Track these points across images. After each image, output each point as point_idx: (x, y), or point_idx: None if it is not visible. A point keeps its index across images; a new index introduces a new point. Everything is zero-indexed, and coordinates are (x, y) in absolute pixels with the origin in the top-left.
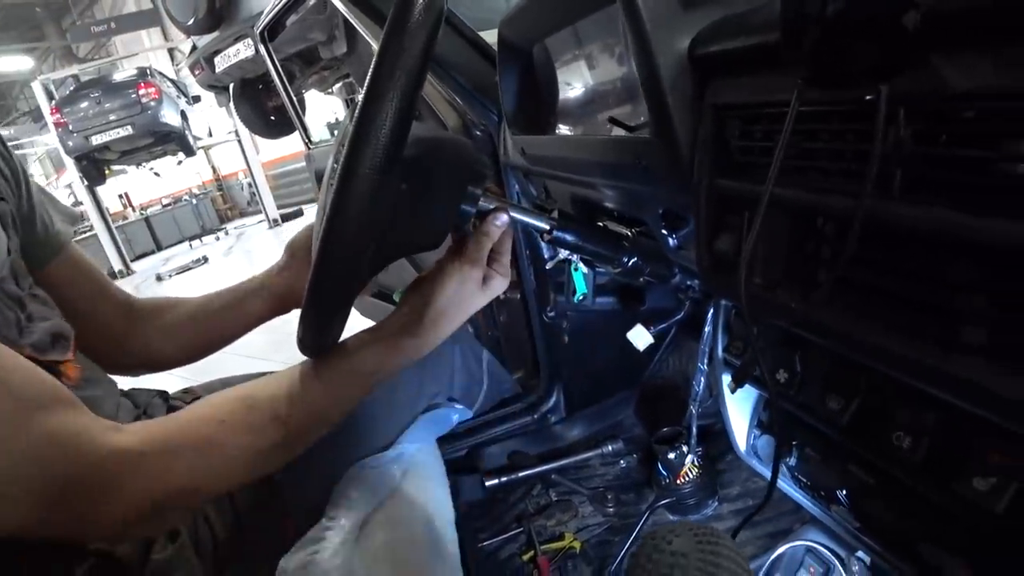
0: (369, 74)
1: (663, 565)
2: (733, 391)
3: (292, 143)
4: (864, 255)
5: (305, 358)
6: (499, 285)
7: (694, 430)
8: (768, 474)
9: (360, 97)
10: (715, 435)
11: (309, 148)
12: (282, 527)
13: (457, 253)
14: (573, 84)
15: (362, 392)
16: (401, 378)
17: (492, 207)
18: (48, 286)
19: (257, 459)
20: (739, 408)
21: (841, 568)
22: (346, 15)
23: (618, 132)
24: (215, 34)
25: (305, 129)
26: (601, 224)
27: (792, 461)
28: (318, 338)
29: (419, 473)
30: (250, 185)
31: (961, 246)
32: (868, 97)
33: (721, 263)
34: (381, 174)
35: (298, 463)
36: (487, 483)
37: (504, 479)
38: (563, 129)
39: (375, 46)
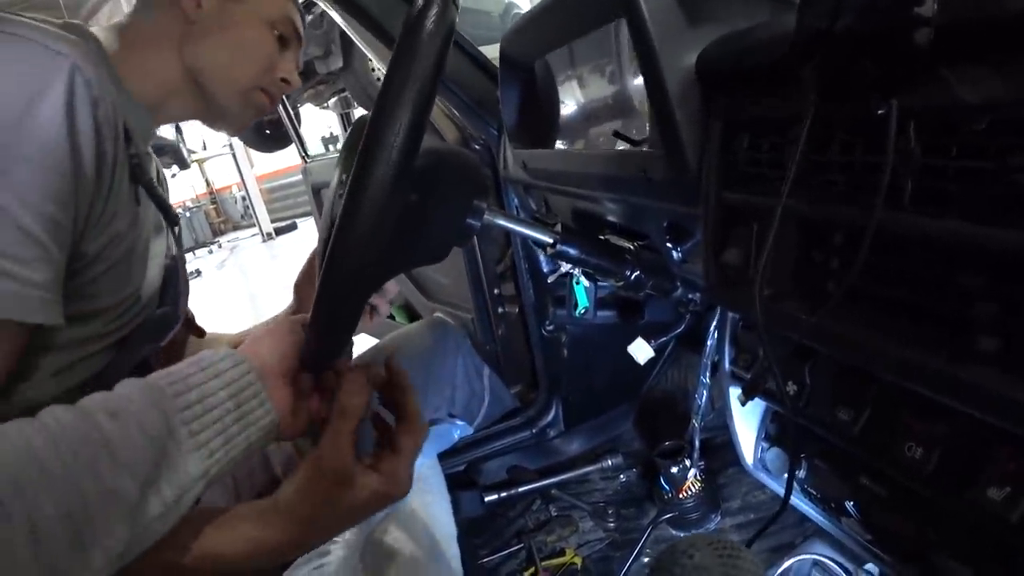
0: (383, 84)
1: None
2: (744, 404)
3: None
4: (875, 265)
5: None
6: (396, 489)
7: (697, 444)
8: (776, 487)
9: (373, 106)
10: (716, 448)
11: (306, 162)
12: None
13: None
14: (573, 99)
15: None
16: None
17: (496, 220)
18: None
19: None
20: (746, 421)
21: None
22: (345, 29)
23: (622, 145)
24: None
25: (302, 143)
26: (603, 238)
27: (802, 473)
28: (325, 351)
29: (421, 488)
30: (244, 198)
31: (972, 256)
32: (880, 112)
33: (729, 276)
34: (393, 185)
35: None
36: (486, 499)
37: (503, 494)
38: (563, 143)
39: (375, 61)
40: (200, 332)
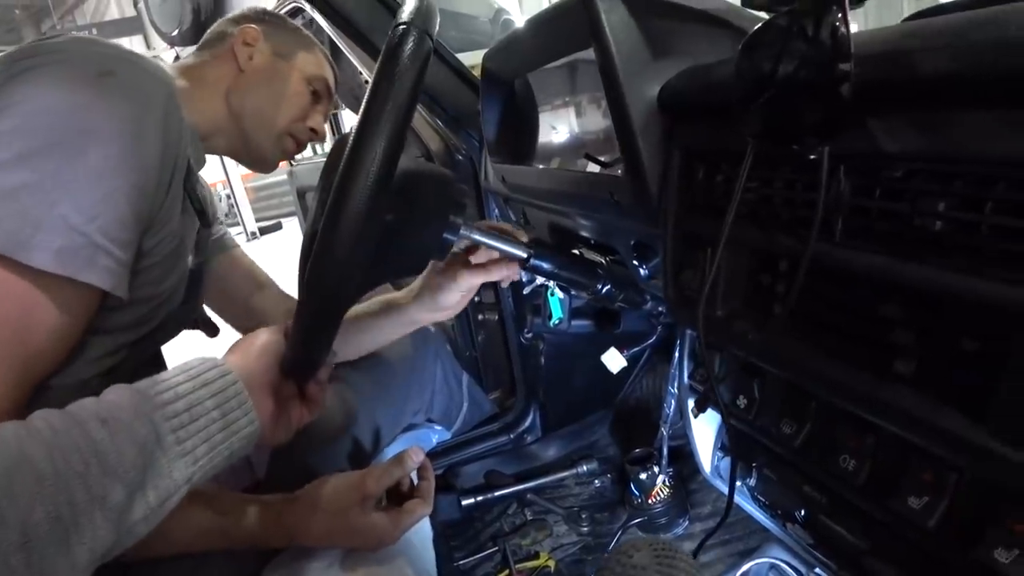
0: (359, 116)
1: None
2: (695, 415)
3: None
4: (812, 292)
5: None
6: (390, 536)
7: (665, 451)
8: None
9: (351, 135)
10: (685, 456)
11: (292, 164)
12: None
13: (362, 477)
14: (554, 118)
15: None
16: (384, 395)
17: (472, 235)
18: (208, 273)
19: None
20: (704, 431)
21: None
22: (332, 36)
23: (594, 167)
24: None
25: None
26: (577, 252)
27: (752, 482)
28: (306, 362)
29: None
30: (228, 197)
31: (892, 287)
32: (812, 156)
33: (686, 295)
34: (370, 209)
35: (278, 476)
36: (463, 502)
37: (480, 498)
38: (541, 159)
39: (361, 69)
40: (214, 330)
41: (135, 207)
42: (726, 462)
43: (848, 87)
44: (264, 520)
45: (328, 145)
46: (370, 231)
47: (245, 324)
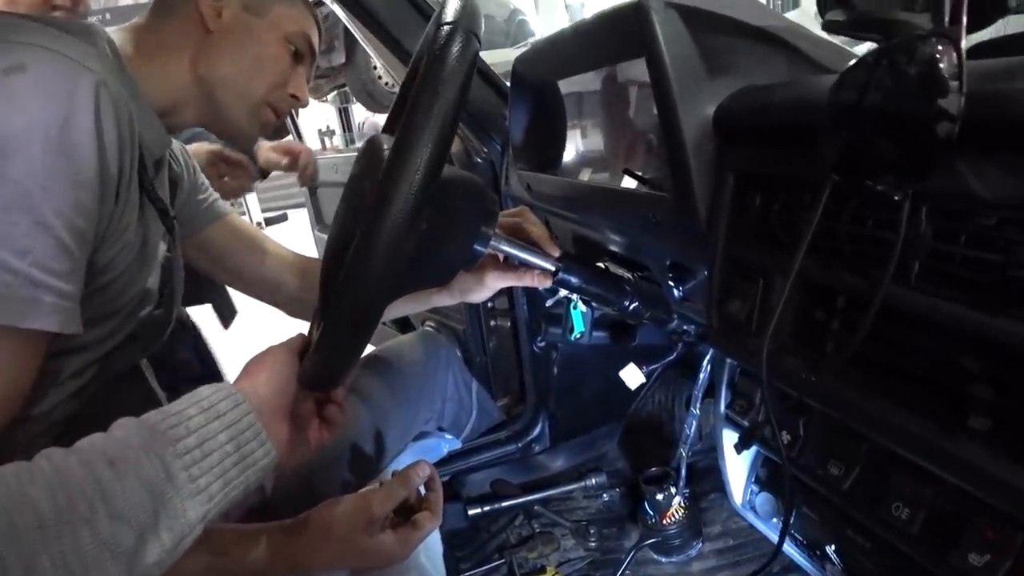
0: (404, 119)
1: None
2: (739, 452)
3: None
4: (876, 333)
5: None
6: (400, 554)
7: (683, 472)
8: (765, 530)
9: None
10: (698, 473)
11: None
12: None
13: (367, 500)
14: (583, 127)
15: None
16: (396, 403)
17: (501, 247)
18: (207, 247)
19: None
20: (737, 462)
21: None
22: (351, 29)
23: (627, 181)
24: None
25: (300, 138)
26: (603, 265)
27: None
28: (332, 375)
29: None
30: None
31: (971, 339)
32: (896, 197)
33: (731, 325)
34: (411, 220)
35: (291, 486)
36: (470, 512)
37: (487, 508)
38: (568, 168)
39: (376, 59)
40: (230, 316)
41: (75, 229)
42: (761, 497)
43: (948, 127)
44: (267, 553)
45: (336, 139)
46: (409, 242)
47: (259, 293)
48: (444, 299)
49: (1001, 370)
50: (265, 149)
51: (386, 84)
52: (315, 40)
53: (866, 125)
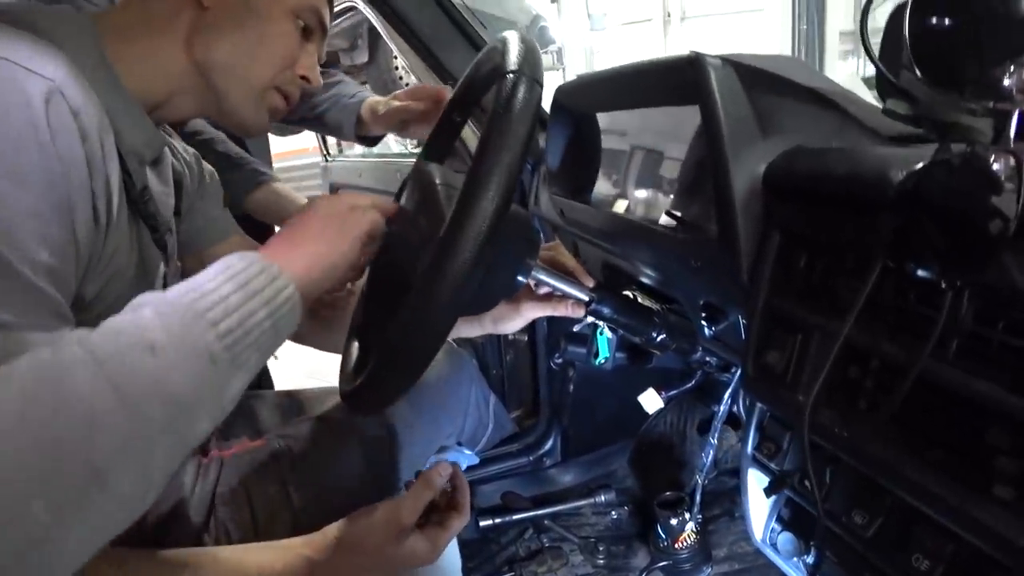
0: (473, 165)
1: None
2: (768, 496)
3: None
4: (911, 399)
5: None
6: (429, 558)
7: (698, 499)
8: (785, 568)
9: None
10: (706, 495)
11: (327, 160)
12: None
13: (396, 511)
14: (621, 161)
15: None
16: (420, 418)
17: (540, 276)
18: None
19: None
20: (759, 498)
21: None
22: (376, 25)
23: (665, 219)
24: None
25: (324, 139)
26: (631, 295)
27: (809, 559)
28: (380, 403)
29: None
30: None
31: (1002, 416)
32: (942, 285)
33: (767, 375)
34: (475, 267)
35: (317, 498)
36: (481, 523)
37: (498, 520)
38: (600, 197)
39: (400, 59)
40: None
41: (44, 268)
42: (784, 537)
43: (999, 224)
44: (293, 572)
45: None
46: (474, 281)
47: None
48: (474, 329)
49: None
50: (400, 97)
51: (407, 85)
52: (325, 13)
53: (922, 217)
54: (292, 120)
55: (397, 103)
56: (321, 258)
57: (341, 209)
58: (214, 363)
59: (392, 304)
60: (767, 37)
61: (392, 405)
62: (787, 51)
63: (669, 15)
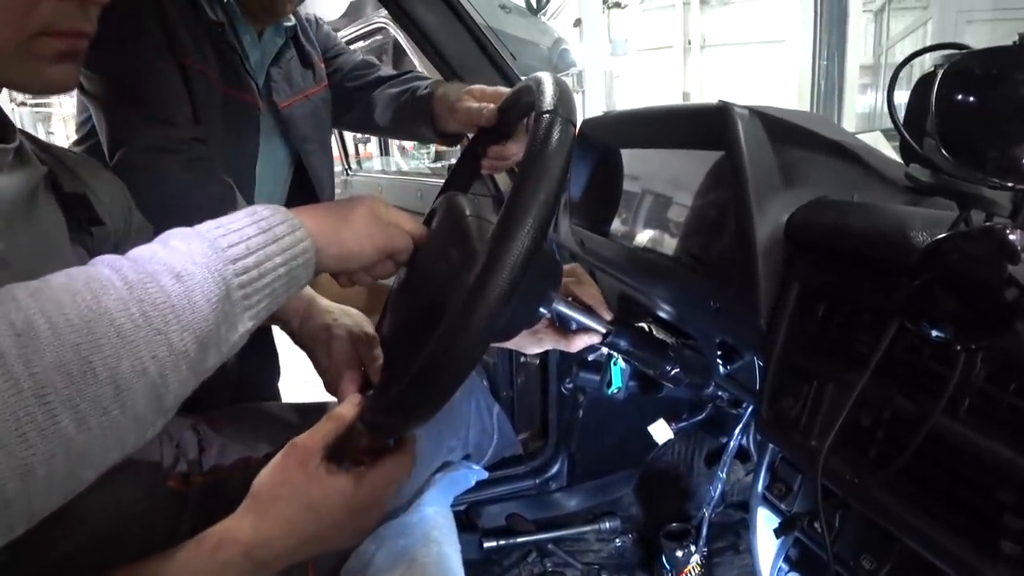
0: (507, 204)
1: None
2: (778, 537)
3: None
4: (921, 452)
5: None
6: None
7: (704, 532)
8: None
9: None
10: (712, 528)
11: (348, 173)
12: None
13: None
14: (646, 197)
15: None
16: (421, 431)
17: (561, 308)
18: None
19: None
20: (766, 537)
21: None
22: (403, 44)
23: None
24: None
25: (346, 154)
26: (647, 327)
27: None
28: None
29: (438, 540)
30: None
31: (1009, 475)
32: (958, 347)
33: (781, 419)
34: (508, 302)
35: None
36: (485, 544)
37: (502, 542)
38: (620, 230)
39: (423, 71)
40: None
41: None
42: None
43: (1015, 292)
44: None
45: (375, 161)
46: (504, 315)
47: None
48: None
49: None
50: (475, 94)
51: None
52: None
53: (939, 281)
54: (369, 126)
55: (471, 104)
56: (343, 243)
57: (384, 218)
58: (229, 298)
59: (416, 332)
60: (787, 68)
61: (414, 430)
62: (807, 82)
63: (690, 43)
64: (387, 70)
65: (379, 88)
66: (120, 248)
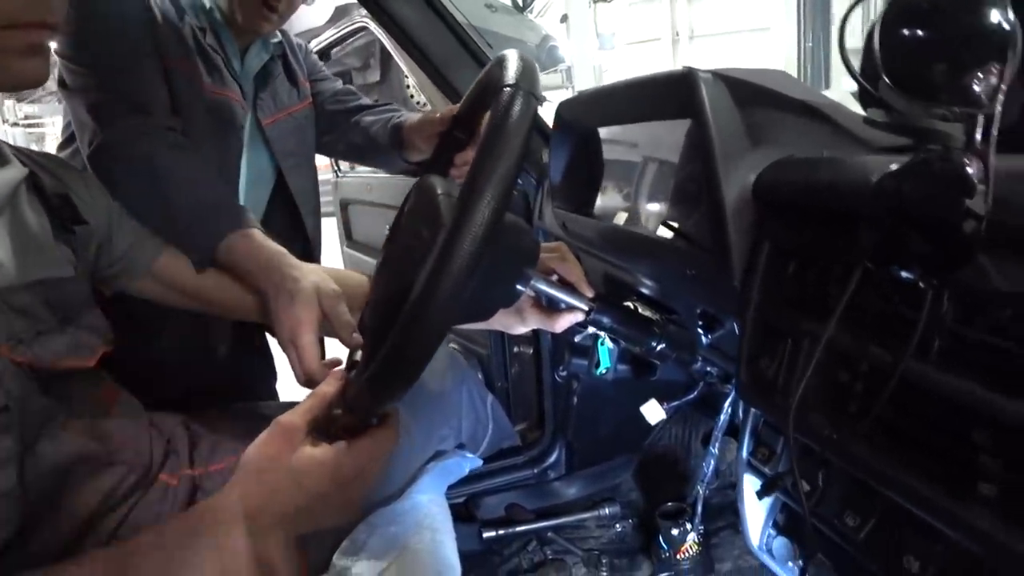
0: (469, 175)
1: None
2: (760, 498)
3: None
4: (896, 402)
5: None
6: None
7: (699, 509)
8: (782, 574)
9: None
10: (712, 509)
11: (337, 175)
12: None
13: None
14: (621, 173)
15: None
16: (411, 420)
17: (539, 286)
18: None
19: None
20: (755, 505)
21: None
22: (385, 44)
23: (665, 229)
24: None
25: (338, 167)
26: (632, 306)
27: (803, 564)
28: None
29: (432, 527)
30: None
31: (983, 415)
32: (922, 285)
33: (760, 381)
34: (471, 274)
35: None
36: (484, 535)
37: (501, 532)
38: (601, 209)
39: (410, 77)
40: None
41: None
42: (779, 541)
43: (972, 224)
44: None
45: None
46: (468, 288)
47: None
48: (480, 326)
49: (1010, 446)
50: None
51: (418, 103)
52: None
53: (901, 222)
54: (343, 151)
55: (434, 115)
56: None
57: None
58: None
59: (390, 311)
60: (774, 55)
61: (390, 406)
62: (794, 68)
63: (678, 34)
64: (367, 100)
65: (358, 115)
66: (104, 247)
